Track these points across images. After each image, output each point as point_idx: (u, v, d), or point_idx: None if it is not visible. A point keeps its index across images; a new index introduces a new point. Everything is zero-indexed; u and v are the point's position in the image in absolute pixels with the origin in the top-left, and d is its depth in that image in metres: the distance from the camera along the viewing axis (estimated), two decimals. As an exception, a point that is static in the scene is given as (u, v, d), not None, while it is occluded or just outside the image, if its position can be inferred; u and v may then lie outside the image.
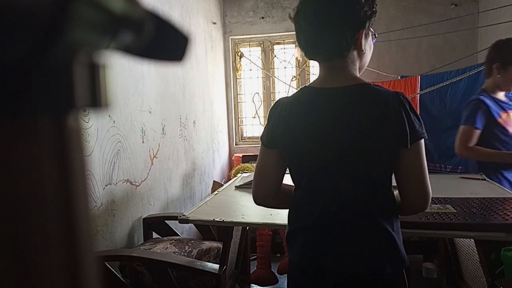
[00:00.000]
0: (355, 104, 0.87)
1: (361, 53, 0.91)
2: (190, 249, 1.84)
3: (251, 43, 4.13)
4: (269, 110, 0.98)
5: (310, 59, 0.97)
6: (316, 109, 0.89)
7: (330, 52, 0.90)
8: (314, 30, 0.88)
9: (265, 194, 0.99)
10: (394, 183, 0.91)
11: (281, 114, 0.93)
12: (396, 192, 0.92)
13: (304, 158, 0.91)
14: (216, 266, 1.64)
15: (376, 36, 0.96)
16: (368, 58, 0.96)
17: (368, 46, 0.93)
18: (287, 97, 0.96)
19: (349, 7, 0.85)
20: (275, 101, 0.98)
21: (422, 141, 0.86)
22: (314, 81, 0.95)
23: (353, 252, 0.87)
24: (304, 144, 0.90)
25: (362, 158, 0.86)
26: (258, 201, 1.01)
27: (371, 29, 0.93)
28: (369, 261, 0.86)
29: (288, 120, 0.91)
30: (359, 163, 0.87)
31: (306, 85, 0.96)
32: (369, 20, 0.88)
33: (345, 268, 0.87)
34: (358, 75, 0.93)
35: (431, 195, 0.88)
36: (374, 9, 0.89)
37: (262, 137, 0.98)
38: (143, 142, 2.18)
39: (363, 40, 0.89)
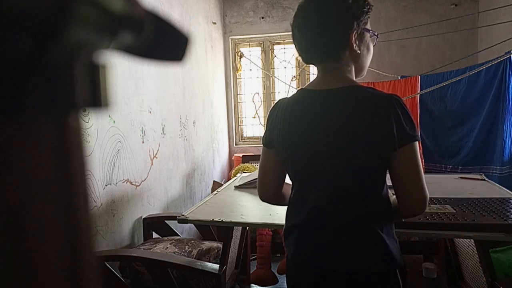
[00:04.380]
0: (344, 106, 0.87)
1: (355, 54, 0.91)
2: (190, 249, 1.84)
3: (251, 43, 4.13)
4: (269, 111, 1.02)
5: (307, 64, 0.99)
6: (308, 111, 0.91)
7: (322, 54, 0.91)
8: (305, 34, 0.90)
9: (269, 192, 1.05)
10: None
11: (278, 115, 0.96)
12: (394, 197, 0.92)
13: (297, 159, 0.93)
14: (216, 266, 1.64)
15: (377, 36, 0.96)
16: (367, 60, 0.95)
17: (364, 47, 0.92)
18: (285, 98, 0.99)
19: (335, 8, 0.87)
20: (275, 102, 1.01)
21: (416, 144, 0.84)
22: (310, 83, 0.97)
23: (339, 251, 0.88)
24: (297, 145, 0.92)
25: (349, 160, 0.87)
26: (263, 198, 1.07)
27: (369, 29, 0.92)
28: (355, 260, 0.87)
29: (283, 121, 0.94)
30: (346, 165, 0.87)
31: (303, 87, 0.98)
32: (358, 20, 0.87)
33: (333, 265, 0.88)
34: (353, 77, 0.93)
35: (428, 198, 0.86)
36: (364, 9, 0.88)
37: (262, 137, 1.03)
38: (143, 142, 2.18)
39: (355, 40, 0.88)
